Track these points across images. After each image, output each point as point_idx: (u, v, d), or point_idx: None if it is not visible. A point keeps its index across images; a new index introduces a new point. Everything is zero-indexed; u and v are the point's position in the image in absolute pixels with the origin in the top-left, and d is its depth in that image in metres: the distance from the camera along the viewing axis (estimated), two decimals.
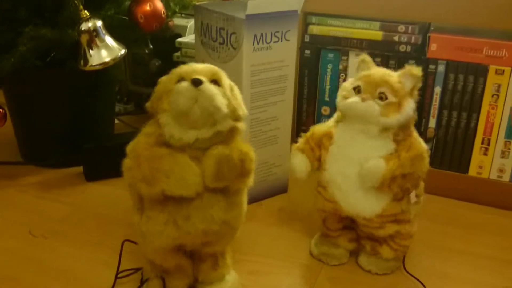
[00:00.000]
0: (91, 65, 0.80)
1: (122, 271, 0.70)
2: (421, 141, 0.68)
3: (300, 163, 0.70)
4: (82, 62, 0.80)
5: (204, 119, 0.56)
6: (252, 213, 0.85)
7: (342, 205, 0.68)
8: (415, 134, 0.68)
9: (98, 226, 0.82)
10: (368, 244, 0.72)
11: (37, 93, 0.95)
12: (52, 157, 0.99)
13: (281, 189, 0.93)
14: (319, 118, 0.99)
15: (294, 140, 0.98)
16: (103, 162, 0.94)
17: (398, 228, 0.69)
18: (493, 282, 0.72)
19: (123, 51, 0.82)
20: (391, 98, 0.63)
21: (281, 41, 0.82)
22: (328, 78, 0.96)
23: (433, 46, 0.87)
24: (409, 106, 0.64)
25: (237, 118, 0.59)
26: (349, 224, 0.74)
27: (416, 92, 0.66)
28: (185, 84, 0.56)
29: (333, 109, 0.93)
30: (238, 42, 0.79)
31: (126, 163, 0.58)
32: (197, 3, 0.88)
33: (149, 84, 1.23)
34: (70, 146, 0.99)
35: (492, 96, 0.86)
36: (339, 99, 0.67)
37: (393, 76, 0.65)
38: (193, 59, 1.02)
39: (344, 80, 0.94)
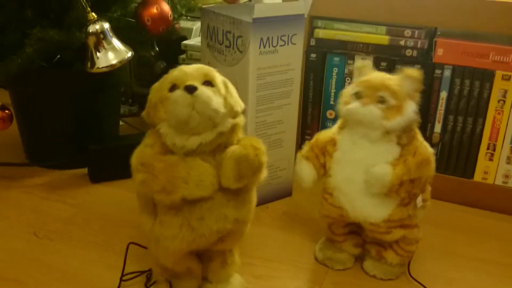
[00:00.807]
0: (98, 68, 0.80)
1: (126, 274, 0.70)
2: (427, 145, 0.68)
3: (306, 171, 0.70)
4: (89, 64, 0.80)
5: (204, 123, 0.56)
6: (257, 217, 0.84)
7: (349, 211, 0.68)
8: (420, 137, 0.68)
9: (103, 227, 0.82)
10: (373, 249, 0.72)
11: (42, 95, 0.95)
12: (57, 158, 0.99)
13: (286, 193, 0.93)
14: (324, 122, 0.99)
15: (299, 143, 0.98)
16: (108, 164, 0.94)
17: (404, 233, 0.68)
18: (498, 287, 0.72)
19: (130, 54, 0.82)
20: (391, 101, 0.64)
21: (287, 44, 0.82)
22: (333, 82, 0.96)
23: (439, 51, 0.87)
24: (410, 108, 0.65)
25: (235, 115, 0.60)
26: (355, 229, 0.74)
27: (417, 94, 0.66)
28: (179, 93, 0.56)
29: None
30: (245, 45, 0.79)
31: (140, 177, 0.58)
32: (203, 6, 0.89)
33: None
34: (75, 148, 0.99)
35: (498, 101, 0.85)
36: (340, 106, 0.68)
37: (392, 79, 0.65)
38: (198, 61, 1.02)
39: (350, 84, 0.94)
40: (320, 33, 0.95)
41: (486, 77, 0.85)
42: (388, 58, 0.91)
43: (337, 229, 0.74)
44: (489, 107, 0.86)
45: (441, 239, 0.82)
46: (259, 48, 0.79)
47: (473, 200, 0.91)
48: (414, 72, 0.65)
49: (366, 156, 0.66)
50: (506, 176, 0.89)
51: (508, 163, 0.88)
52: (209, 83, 0.58)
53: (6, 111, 0.91)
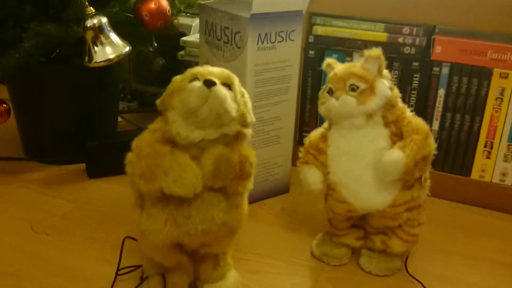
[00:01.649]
0: (96, 62, 0.80)
1: (122, 268, 0.70)
2: (420, 119, 0.68)
3: (309, 174, 0.71)
4: (86, 58, 0.80)
5: (211, 119, 0.56)
6: (254, 213, 0.85)
7: (355, 203, 0.68)
8: (409, 113, 0.68)
9: (100, 223, 0.82)
10: (378, 239, 0.72)
11: (41, 90, 0.95)
12: (55, 153, 1.00)
13: (283, 189, 0.93)
14: (322, 119, 0.99)
15: (296, 140, 0.98)
16: (106, 160, 0.94)
17: (409, 215, 0.69)
18: (495, 285, 0.72)
19: (127, 48, 0.82)
20: (362, 86, 0.65)
21: (286, 41, 0.82)
22: None
23: (437, 49, 0.87)
24: (383, 86, 0.66)
25: (244, 124, 0.60)
26: (357, 222, 0.74)
27: (385, 71, 0.68)
28: (197, 84, 0.56)
29: None
30: (243, 41, 0.79)
31: (129, 156, 0.58)
32: (202, 2, 0.88)
33: (152, 82, 1.25)
34: (73, 143, 0.99)
35: (496, 99, 0.86)
36: (319, 108, 0.70)
37: (356, 65, 0.68)
38: (197, 58, 1.02)
39: None
40: (319, 30, 0.95)
41: (484, 75, 0.85)
42: (386, 56, 0.90)
43: (340, 224, 0.73)
44: (487, 105, 0.86)
45: (438, 236, 0.82)
46: (257, 44, 0.79)
47: (470, 198, 0.91)
48: (373, 51, 0.67)
49: (358, 145, 0.67)
50: (503, 174, 0.89)
51: (505, 161, 0.88)
52: (228, 86, 0.58)
53: (4, 105, 0.91)
